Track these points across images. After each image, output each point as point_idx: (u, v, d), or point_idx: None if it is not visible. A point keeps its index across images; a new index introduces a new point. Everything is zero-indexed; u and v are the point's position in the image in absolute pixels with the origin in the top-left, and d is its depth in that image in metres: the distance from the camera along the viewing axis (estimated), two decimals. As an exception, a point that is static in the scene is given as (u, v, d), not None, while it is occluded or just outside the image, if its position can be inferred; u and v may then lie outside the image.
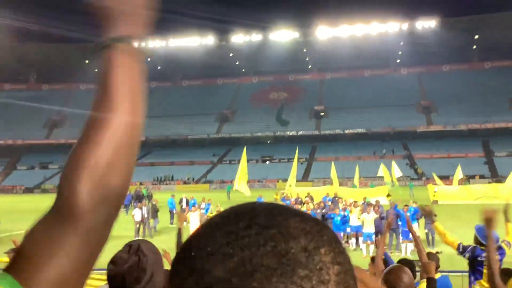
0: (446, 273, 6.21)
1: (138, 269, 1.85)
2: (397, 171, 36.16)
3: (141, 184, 63.48)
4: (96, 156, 0.81)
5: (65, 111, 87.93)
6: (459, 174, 36.57)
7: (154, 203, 23.03)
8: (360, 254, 16.65)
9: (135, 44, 1.00)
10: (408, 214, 16.67)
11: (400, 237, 17.12)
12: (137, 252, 1.90)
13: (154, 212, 22.60)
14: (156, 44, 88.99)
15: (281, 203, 0.79)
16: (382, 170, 37.04)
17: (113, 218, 0.80)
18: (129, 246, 1.95)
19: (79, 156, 0.81)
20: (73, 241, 0.72)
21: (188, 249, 0.54)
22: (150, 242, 2.04)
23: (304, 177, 65.55)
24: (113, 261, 1.90)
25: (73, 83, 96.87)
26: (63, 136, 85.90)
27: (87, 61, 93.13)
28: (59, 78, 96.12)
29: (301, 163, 71.35)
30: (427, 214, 6.40)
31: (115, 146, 0.85)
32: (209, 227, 0.55)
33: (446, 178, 46.23)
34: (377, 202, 19.84)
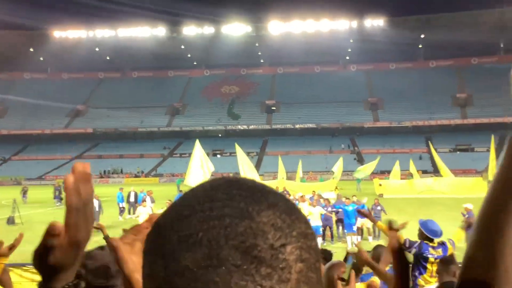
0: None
1: None
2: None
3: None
4: None
5: (8, 100, 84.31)
6: (413, 168, 38.17)
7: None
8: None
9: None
10: (351, 207, 17.23)
11: (344, 230, 17.70)
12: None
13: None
14: (104, 33, 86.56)
15: None
16: (338, 166, 37.93)
17: None
18: (100, 247, 1.97)
19: None
20: None
21: (162, 228, 0.56)
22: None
23: (254, 171, 65.96)
24: (91, 257, 1.89)
25: (17, 71, 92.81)
26: (5, 127, 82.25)
27: (31, 49, 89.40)
28: (1, 66, 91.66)
29: (252, 157, 71.71)
30: (369, 218, 6.28)
31: None
32: (184, 208, 0.56)
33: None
34: (319, 196, 20.34)
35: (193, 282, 0.50)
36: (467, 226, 10.40)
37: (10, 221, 23.08)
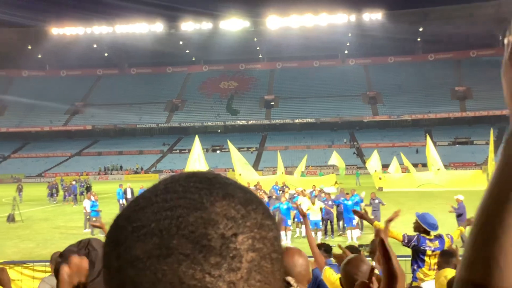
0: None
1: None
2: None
3: (87, 174, 61.94)
4: None
5: (6, 98, 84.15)
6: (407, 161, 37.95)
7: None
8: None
9: None
10: (350, 202, 17.26)
11: (344, 224, 17.74)
12: (86, 246, 1.86)
13: None
14: (102, 30, 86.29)
15: None
16: (335, 158, 37.83)
17: None
18: (79, 241, 1.93)
19: None
20: None
21: (120, 220, 0.57)
22: (101, 240, 2.01)
23: (254, 166, 65.88)
24: (61, 255, 1.87)
25: (15, 69, 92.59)
26: (4, 125, 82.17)
27: (29, 47, 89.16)
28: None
29: (251, 152, 71.76)
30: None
31: None
32: (142, 200, 0.57)
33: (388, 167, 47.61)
34: (320, 190, 20.29)
35: (142, 271, 0.51)
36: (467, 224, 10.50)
37: (10, 218, 23.11)
